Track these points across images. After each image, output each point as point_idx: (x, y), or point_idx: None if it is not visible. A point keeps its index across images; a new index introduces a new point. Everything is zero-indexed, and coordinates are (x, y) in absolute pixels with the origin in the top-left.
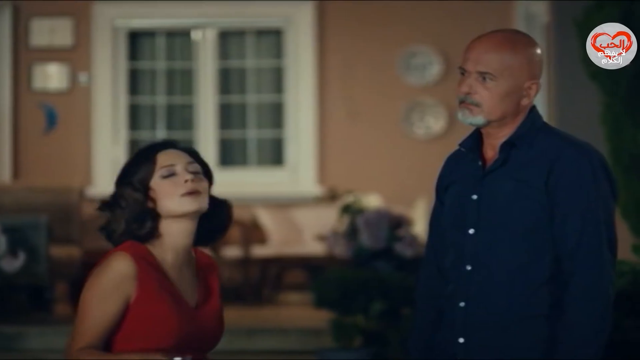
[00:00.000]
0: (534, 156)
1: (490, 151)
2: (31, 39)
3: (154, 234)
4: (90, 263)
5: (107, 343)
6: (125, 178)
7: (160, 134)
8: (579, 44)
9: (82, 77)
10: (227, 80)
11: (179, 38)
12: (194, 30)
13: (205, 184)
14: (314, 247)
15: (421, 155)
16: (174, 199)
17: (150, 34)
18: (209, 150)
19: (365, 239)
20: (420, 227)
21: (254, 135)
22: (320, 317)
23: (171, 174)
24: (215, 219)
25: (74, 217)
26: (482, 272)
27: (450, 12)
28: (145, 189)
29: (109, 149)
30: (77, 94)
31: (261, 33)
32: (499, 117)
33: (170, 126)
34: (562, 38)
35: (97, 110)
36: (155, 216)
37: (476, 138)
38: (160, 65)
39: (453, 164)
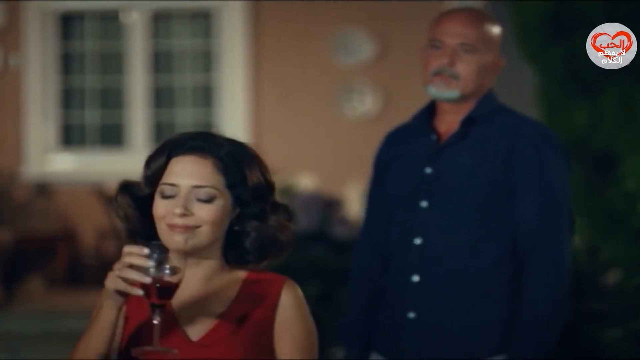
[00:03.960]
0: (494, 133)
1: (444, 127)
2: None
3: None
4: (23, 246)
5: None
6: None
7: (91, 115)
8: (512, 25)
9: (13, 59)
10: (158, 63)
11: (110, 20)
12: (124, 12)
13: (212, 212)
14: None
15: (354, 137)
16: (161, 226)
17: (81, 16)
18: (139, 131)
19: (302, 220)
20: (353, 208)
21: (186, 116)
22: None
23: (169, 197)
24: (247, 236)
25: (5, 199)
26: (434, 246)
27: None
28: (148, 199)
29: (40, 131)
30: (8, 76)
31: (192, 15)
32: (472, 91)
33: (101, 107)
34: (497, 20)
35: (28, 91)
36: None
37: (428, 115)
38: (91, 47)
39: (396, 140)
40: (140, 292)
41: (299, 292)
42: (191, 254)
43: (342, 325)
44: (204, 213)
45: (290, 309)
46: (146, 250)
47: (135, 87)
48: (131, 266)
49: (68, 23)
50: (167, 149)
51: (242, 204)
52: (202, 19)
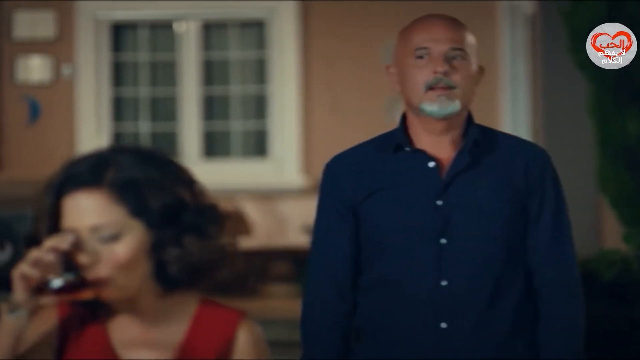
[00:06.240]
0: (504, 156)
1: (435, 150)
2: (14, 31)
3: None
4: None
5: None
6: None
7: (144, 125)
8: (565, 34)
9: (65, 69)
10: (211, 72)
11: (162, 30)
12: (177, 22)
13: (122, 253)
14: (298, 239)
15: None
16: None
17: (133, 26)
18: (192, 141)
19: None
20: None
21: (238, 126)
22: None
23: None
24: (170, 265)
25: None
26: (462, 288)
27: (434, 3)
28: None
29: (92, 141)
30: (60, 86)
31: (244, 25)
32: (467, 104)
33: (153, 118)
34: (548, 28)
35: (80, 102)
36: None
37: (404, 134)
38: (144, 57)
39: (368, 166)
40: (35, 273)
41: (257, 330)
42: (124, 302)
43: None
44: (114, 255)
45: (246, 351)
46: (70, 237)
47: (188, 97)
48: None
49: (120, 33)
50: (53, 187)
51: (155, 229)
52: (254, 28)
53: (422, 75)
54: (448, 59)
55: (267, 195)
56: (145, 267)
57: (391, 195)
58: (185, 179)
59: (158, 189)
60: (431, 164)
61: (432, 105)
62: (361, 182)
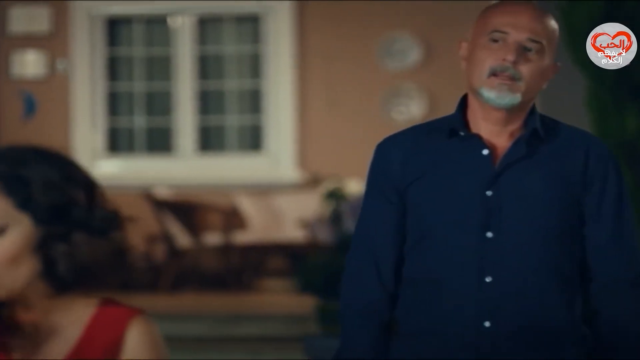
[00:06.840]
0: (563, 149)
1: (491, 138)
2: (9, 26)
3: None
4: None
5: None
6: None
7: (139, 120)
8: (563, 30)
9: (60, 64)
10: (206, 67)
11: (157, 25)
12: (172, 16)
13: (5, 249)
14: (294, 233)
15: None
16: None
17: (128, 20)
18: (187, 136)
19: (350, 225)
20: None
21: (233, 121)
22: (304, 303)
23: None
24: (57, 263)
25: None
26: (508, 285)
27: (433, 3)
28: None
29: (87, 136)
30: (56, 81)
31: (240, 19)
32: (531, 98)
33: (148, 112)
34: None
35: (75, 97)
36: None
37: (461, 118)
38: (139, 52)
39: (416, 149)
40: None
41: (150, 328)
42: (16, 305)
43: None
44: None
45: (136, 350)
46: None
47: (183, 91)
48: None
49: (115, 28)
50: None
51: (42, 224)
52: (250, 23)
53: (490, 59)
54: (522, 50)
55: (263, 190)
56: (32, 264)
57: (438, 182)
58: (82, 180)
59: (48, 184)
60: (485, 152)
61: (491, 92)
62: (410, 165)
